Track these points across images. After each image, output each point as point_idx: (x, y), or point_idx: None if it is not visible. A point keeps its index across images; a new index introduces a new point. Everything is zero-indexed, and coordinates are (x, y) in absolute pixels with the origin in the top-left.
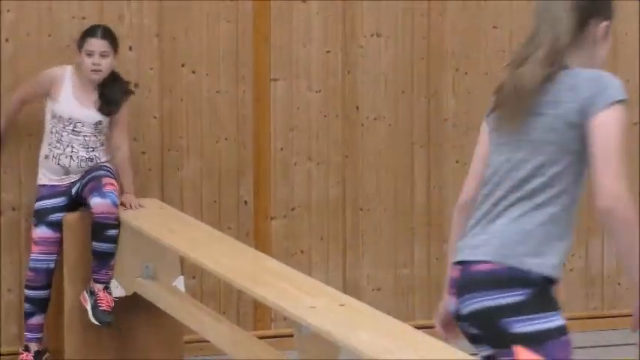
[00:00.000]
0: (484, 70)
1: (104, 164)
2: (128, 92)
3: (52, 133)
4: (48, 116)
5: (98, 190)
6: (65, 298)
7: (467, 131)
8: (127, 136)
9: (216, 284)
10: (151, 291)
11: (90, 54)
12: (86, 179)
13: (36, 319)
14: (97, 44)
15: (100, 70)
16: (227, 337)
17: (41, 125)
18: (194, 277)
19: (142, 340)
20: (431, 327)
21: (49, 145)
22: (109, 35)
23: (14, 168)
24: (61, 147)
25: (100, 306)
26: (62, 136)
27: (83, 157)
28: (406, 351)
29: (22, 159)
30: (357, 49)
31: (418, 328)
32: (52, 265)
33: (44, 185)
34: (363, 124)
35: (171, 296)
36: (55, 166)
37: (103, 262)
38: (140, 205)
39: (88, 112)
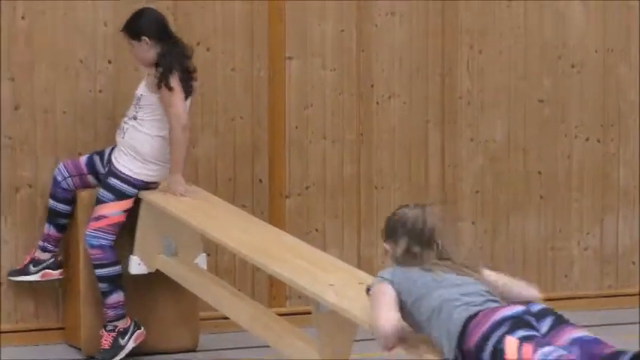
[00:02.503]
0: (499, 48)
1: (116, 170)
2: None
3: None
4: None
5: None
6: (81, 273)
7: (481, 109)
8: (172, 115)
9: (232, 261)
10: (173, 268)
11: None
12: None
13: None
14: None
15: (139, 61)
16: (248, 315)
17: (56, 104)
18: (209, 255)
19: (160, 317)
20: None
21: None
22: (124, 29)
23: (30, 145)
24: None
25: (101, 344)
26: None
27: (121, 126)
28: None
29: (39, 136)
30: (372, 27)
31: None
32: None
33: None
34: (377, 103)
35: (193, 274)
36: None
37: (102, 299)
38: (185, 194)
39: (139, 87)
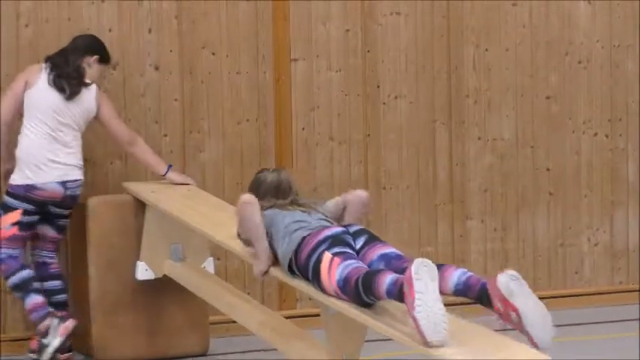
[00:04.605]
0: (504, 46)
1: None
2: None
3: None
4: None
5: None
6: (90, 280)
7: (488, 107)
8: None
9: (241, 265)
10: (180, 273)
11: None
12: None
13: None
14: None
15: None
16: (255, 318)
17: None
18: (219, 259)
19: (169, 322)
20: (459, 304)
21: None
22: None
23: None
24: None
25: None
26: None
27: None
28: None
29: None
30: (377, 28)
31: (445, 305)
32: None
33: None
34: (384, 103)
35: (201, 278)
36: None
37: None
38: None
39: None
